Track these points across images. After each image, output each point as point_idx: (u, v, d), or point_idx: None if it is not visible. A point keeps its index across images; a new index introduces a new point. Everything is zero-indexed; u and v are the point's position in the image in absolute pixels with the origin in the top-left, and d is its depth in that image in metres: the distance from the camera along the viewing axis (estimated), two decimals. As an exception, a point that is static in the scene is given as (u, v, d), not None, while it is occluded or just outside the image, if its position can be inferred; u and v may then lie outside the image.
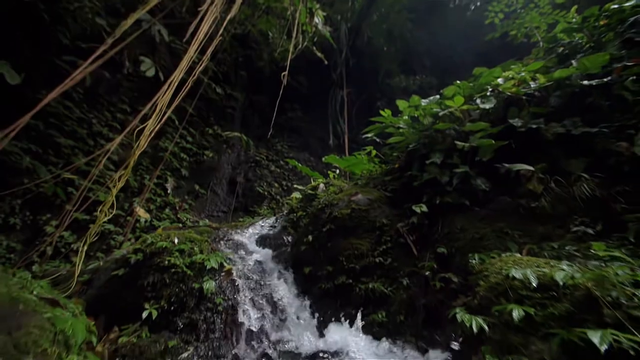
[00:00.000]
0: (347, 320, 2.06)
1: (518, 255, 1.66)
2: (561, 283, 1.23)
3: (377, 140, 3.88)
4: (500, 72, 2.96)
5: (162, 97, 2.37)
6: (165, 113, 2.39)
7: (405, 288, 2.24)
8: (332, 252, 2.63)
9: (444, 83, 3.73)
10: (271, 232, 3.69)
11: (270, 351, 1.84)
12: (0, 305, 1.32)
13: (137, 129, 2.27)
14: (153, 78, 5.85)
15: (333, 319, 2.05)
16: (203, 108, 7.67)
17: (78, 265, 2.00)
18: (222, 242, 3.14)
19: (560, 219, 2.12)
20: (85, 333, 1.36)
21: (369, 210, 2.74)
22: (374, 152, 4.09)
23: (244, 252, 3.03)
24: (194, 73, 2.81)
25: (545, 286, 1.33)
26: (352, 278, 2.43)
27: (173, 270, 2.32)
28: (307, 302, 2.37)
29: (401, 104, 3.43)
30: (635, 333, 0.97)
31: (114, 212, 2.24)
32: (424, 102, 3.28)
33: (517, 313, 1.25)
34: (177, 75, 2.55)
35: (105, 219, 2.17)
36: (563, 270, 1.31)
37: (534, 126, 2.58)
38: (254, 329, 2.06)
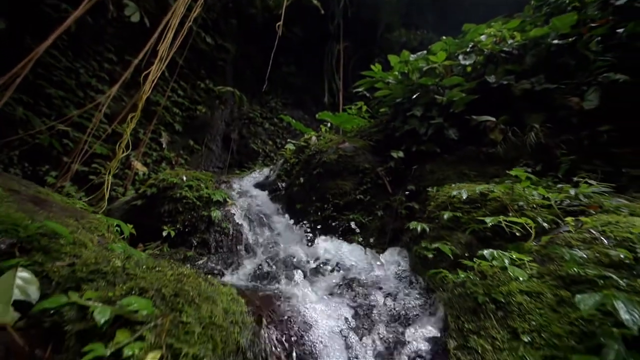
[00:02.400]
0: (331, 239, 2.65)
1: (463, 184, 2.18)
2: (478, 192, 1.76)
3: (368, 95, 4.19)
4: (484, 29, 3.21)
5: (163, 42, 2.60)
6: (167, 57, 2.65)
7: (379, 218, 2.82)
8: (321, 192, 3.16)
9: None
10: (266, 180, 4.20)
11: (268, 258, 2.44)
12: (61, 204, 1.80)
13: (144, 73, 2.55)
14: (138, 24, 5.76)
15: (320, 238, 2.64)
16: (193, 60, 7.59)
17: (106, 189, 2.46)
18: (223, 185, 3.63)
19: (510, 162, 2.62)
20: (129, 230, 1.87)
21: (354, 156, 3.21)
22: (364, 108, 4.43)
23: (244, 193, 3.55)
24: (189, 18, 2.97)
25: (473, 199, 1.86)
26: (337, 211, 2.99)
27: (184, 201, 2.83)
28: (299, 229, 2.95)
29: (392, 58, 3.68)
30: (517, 219, 1.51)
31: (128, 151, 2.64)
32: (412, 57, 3.54)
33: (447, 215, 1.80)
34: (174, 20, 2.74)
35: (123, 155, 2.58)
36: (485, 185, 1.83)
37: (505, 82, 2.95)
38: (255, 245, 2.65)
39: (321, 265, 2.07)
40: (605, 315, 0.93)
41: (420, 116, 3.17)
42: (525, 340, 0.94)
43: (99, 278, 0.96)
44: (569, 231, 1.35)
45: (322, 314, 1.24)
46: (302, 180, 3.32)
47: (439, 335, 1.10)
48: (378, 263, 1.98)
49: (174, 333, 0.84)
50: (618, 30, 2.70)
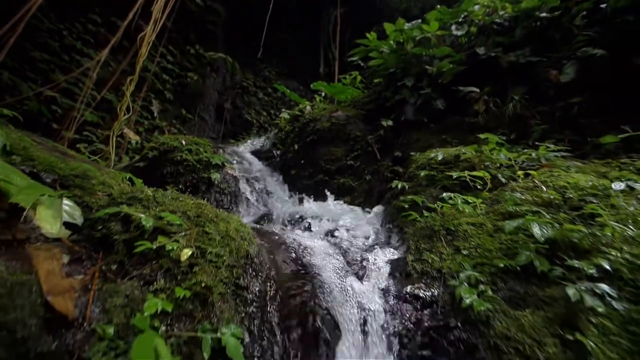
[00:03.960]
0: (322, 200, 2.97)
1: (443, 149, 2.47)
2: (452, 154, 2.05)
3: (362, 65, 4.31)
4: (479, -1, 3.31)
5: (157, 2, 2.66)
6: (161, 18, 2.72)
7: (367, 182, 3.13)
8: (314, 158, 3.42)
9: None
10: (261, 148, 4.42)
11: (265, 214, 2.76)
12: (79, 156, 2.03)
13: (140, 35, 2.64)
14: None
15: (312, 198, 2.95)
16: (181, 23, 7.36)
17: (112, 149, 2.67)
18: (220, 150, 3.85)
19: (490, 131, 2.89)
20: (140, 183, 2.12)
21: (346, 125, 3.44)
22: (358, 78, 4.56)
23: (240, 159, 3.79)
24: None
25: (447, 160, 2.16)
26: (328, 176, 3.28)
27: (185, 163, 3.07)
28: (293, 191, 3.26)
29: (388, 27, 3.77)
30: (477, 173, 1.82)
31: (129, 114, 2.80)
32: (407, 26, 3.64)
33: (423, 173, 2.10)
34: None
35: (125, 117, 2.75)
36: (457, 149, 2.12)
37: (493, 54, 3.14)
38: (252, 204, 2.95)
39: (313, 218, 2.39)
40: (528, 237, 1.27)
41: (411, 86, 3.37)
42: (464, 253, 1.28)
43: (136, 202, 1.24)
44: (517, 182, 1.67)
45: (314, 244, 1.56)
46: (296, 147, 3.56)
47: (403, 256, 1.44)
48: (362, 217, 2.32)
49: (200, 239, 1.14)
50: (602, 6, 2.87)
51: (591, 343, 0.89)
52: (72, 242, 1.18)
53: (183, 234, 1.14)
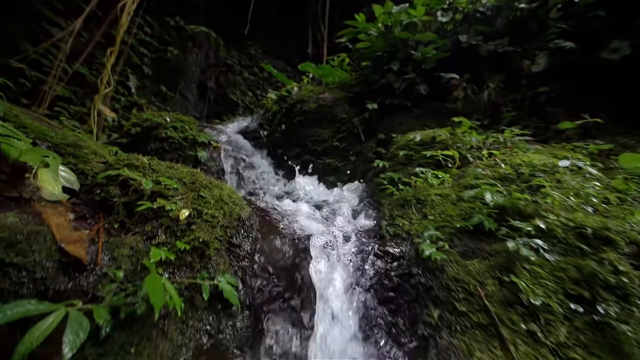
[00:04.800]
0: (309, 179, 3.13)
1: (421, 131, 2.66)
2: (429, 136, 2.25)
3: (351, 47, 4.37)
4: (464, -15, 3.44)
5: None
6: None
7: (352, 162, 3.31)
8: (300, 139, 3.54)
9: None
10: (248, 128, 4.47)
11: (253, 191, 2.88)
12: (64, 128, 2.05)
13: (120, 4, 2.57)
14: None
15: (299, 177, 3.10)
16: (160, -10, 6.98)
17: (94, 122, 2.66)
18: (206, 129, 3.87)
19: (466, 116, 3.12)
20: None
21: (333, 107, 3.56)
22: (346, 60, 4.63)
23: (227, 138, 3.84)
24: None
25: (425, 142, 2.36)
26: (315, 156, 3.43)
27: (170, 140, 3.10)
28: (280, 171, 3.39)
29: (377, 8, 3.83)
30: (448, 152, 2.02)
31: (109, 89, 2.77)
32: (395, 9, 3.72)
33: (402, 153, 2.30)
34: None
35: (106, 91, 2.72)
36: (434, 131, 2.33)
37: (474, 42, 3.32)
38: (240, 182, 3.06)
39: (299, 194, 2.56)
40: (483, 204, 1.49)
41: (396, 71, 3.51)
42: (430, 218, 1.49)
43: (133, 168, 1.34)
44: (482, 160, 1.89)
45: (299, 212, 1.73)
46: (283, 127, 3.66)
47: (379, 222, 1.64)
48: (346, 193, 2.50)
49: (196, 202, 1.27)
50: (576, 0, 3.09)
51: (523, 283, 1.13)
52: (74, 205, 1.27)
53: (180, 197, 1.27)
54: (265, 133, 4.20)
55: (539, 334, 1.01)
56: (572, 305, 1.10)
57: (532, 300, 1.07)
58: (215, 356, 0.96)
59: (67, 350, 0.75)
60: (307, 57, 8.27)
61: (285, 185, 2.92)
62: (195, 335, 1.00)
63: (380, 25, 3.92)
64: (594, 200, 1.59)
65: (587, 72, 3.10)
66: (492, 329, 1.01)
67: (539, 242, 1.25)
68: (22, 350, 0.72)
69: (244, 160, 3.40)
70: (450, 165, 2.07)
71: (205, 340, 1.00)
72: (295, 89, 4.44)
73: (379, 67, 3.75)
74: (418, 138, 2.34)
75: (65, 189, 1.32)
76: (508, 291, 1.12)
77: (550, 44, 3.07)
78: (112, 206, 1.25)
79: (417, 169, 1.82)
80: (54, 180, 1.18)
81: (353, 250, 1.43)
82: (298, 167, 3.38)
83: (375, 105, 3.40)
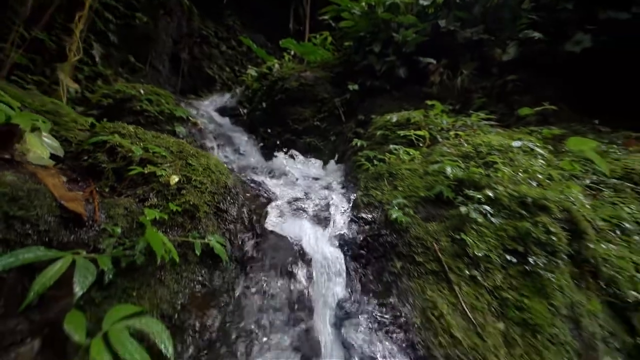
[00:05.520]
0: (290, 157, 3.26)
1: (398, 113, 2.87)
2: (405, 117, 2.46)
3: (333, 25, 4.41)
4: (445, -31, 3.57)
5: None
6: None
7: (332, 142, 3.47)
8: (282, 117, 3.63)
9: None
10: (226, 105, 4.45)
11: (235, 168, 2.98)
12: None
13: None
14: None
15: (280, 154, 3.22)
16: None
17: (63, 92, 2.56)
18: (182, 103, 3.82)
19: (441, 101, 3.37)
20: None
21: (314, 86, 3.65)
22: (329, 39, 4.67)
23: (206, 115, 3.83)
24: None
25: (400, 122, 2.57)
26: (296, 135, 3.55)
27: (146, 114, 3.06)
28: (261, 149, 3.48)
29: (360, -13, 3.87)
30: (420, 132, 2.24)
31: (78, 56, 2.66)
32: (379, -12, 3.79)
33: (379, 133, 2.49)
34: None
35: (75, 59, 2.61)
36: (409, 113, 2.54)
37: (452, 28, 3.52)
38: (220, 158, 3.13)
39: (281, 171, 2.70)
40: (445, 177, 1.73)
41: (378, 52, 3.64)
42: (400, 189, 1.71)
43: (120, 136, 1.41)
44: (449, 140, 2.14)
45: (281, 187, 1.89)
46: (264, 105, 3.71)
47: (355, 193, 1.85)
48: (325, 171, 2.68)
49: (185, 170, 1.38)
50: (545, -8, 3.35)
51: (470, 240, 1.39)
52: (61, 170, 1.34)
53: (168, 164, 1.37)
54: (246, 111, 4.22)
55: (479, 278, 1.28)
56: (508, 257, 1.38)
57: (476, 253, 1.33)
58: (207, 300, 1.13)
59: (77, 289, 0.88)
60: (288, 33, 8.09)
61: (266, 162, 3.04)
62: (190, 284, 1.15)
63: (363, 4, 3.98)
64: (539, 176, 1.90)
65: (553, 63, 3.42)
66: (442, 275, 1.26)
67: (487, 208, 1.52)
68: (37, 289, 0.84)
69: (224, 137, 3.45)
70: (421, 144, 2.30)
71: (198, 289, 1.16)
72: (277, 65, 4.44)
73: (361, 47, 3.86)
74: (394, 119, 2.54)
75: (50, 155, 1.37)
76: (458, 246, 1.38)
77: (520, 34, 3.34)
78: (101, 172, 1.33)
79: (392, 146, 2.03)
80: (41, 145, 1.23)
81: (333, 217, 1.62)
82: (279, 145, 3.49)
83: (356, 87, 3.54)
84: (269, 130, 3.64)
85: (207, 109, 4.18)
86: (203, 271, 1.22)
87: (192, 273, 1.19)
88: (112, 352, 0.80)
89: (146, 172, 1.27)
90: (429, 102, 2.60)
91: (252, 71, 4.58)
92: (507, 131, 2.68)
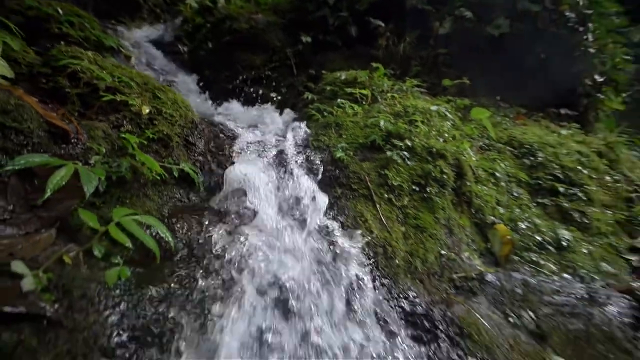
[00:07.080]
0: (240, 105, 3.43)
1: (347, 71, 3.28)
2: (352, 76, 2.90)
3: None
4: None
5: None
6: None
7: (283, 94, 3.73)
8: (231, 61, 3.67)
9: None
10: (162, 39, 4.15)
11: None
12: None
13: None
14: None
15: (229, 101, 3.37)
16: None
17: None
18: (108, 31, 3.47)
19: (384, 64, 3.90)
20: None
21: (265, 31, 3.74)
22: (282, -21, 4.59)
23: (137, 47, 3.58)
24: None
25: (349, 80, 3.00)
26: (245, 84, 3.68)
27: (69, 39, 2.77)
28: (207, 94, 3.53)
29: None
30: (364, 91, 2.72)
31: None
32: None
33: (329, 88, 2.90)
34: None
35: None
36: (356, 72, 2.99)
37: (403, -7, 3.93)
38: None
39: (233, 117, 2.91)
40: (379, 129, 2.28)
41: (332, 5, 3.86)
42: (344, 137, 2.21)
43: (80, 62, 1.49)
44: (386, 100, 2.69)
45: (241, 130, 2.19)
46: (210, 45, 3.66)
47: (307, 138, 2.28)
48: (279, 118, 3.01)
49: (154, 102, 1.57)
50: (480, -28, 3.97)
51: (390, 174, 1.99)
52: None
53: (136, 95, 1.54)
54: (186, 49, 4.04)
55: (394, 200, 1.91)
56: (414, 187, 2.04)
57: (393, 183, 1.95)
58: (188, 209, 1.47)
59: (87, 189, 1.13)
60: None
61: (216, 109, 3.18)
62: (171, 200, 1.46)
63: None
64: (446, 135, 2.62)
65: (477, 42, 4.21)
66: (369, 197, 1.84)
67: (405, 153, 2.13)
68: (52, 187, 1.07)
69: (165, 75, 3.37)
70: (364, 102, 2.80)
71: (179, 204, 1.48)
72: (222, 0, 4.25)
73: (316, -4, 4.00)
74: (343, 77, 2.96)
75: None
76: (382, 179, 1.97)
77: (456, 10, 3.97)
78: (65, 96, 1.43)
79: (339, 101, 2.47)
80: (-4, 62, 1.27)
81: (289, 155, 2.03)
82: (229, 92, 3.60)
83: (309, 39, 3.76)
84: (217, 74, 3.66)
85: (139, 40, 3.87)
86: (180, 191, 1.53)
87: (171, 192, 1.49)
88: (127, 234, 1.12)
89: (118, 99, 1.44)
90: (375, 64, 3.07)
91: (192, 2, 4.28)
92: (433, 99, 3.38)
